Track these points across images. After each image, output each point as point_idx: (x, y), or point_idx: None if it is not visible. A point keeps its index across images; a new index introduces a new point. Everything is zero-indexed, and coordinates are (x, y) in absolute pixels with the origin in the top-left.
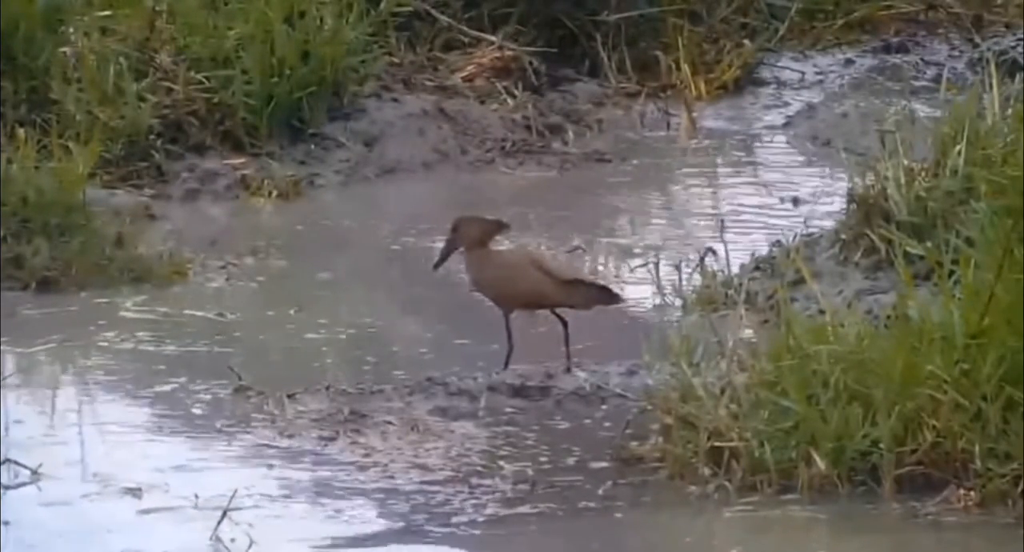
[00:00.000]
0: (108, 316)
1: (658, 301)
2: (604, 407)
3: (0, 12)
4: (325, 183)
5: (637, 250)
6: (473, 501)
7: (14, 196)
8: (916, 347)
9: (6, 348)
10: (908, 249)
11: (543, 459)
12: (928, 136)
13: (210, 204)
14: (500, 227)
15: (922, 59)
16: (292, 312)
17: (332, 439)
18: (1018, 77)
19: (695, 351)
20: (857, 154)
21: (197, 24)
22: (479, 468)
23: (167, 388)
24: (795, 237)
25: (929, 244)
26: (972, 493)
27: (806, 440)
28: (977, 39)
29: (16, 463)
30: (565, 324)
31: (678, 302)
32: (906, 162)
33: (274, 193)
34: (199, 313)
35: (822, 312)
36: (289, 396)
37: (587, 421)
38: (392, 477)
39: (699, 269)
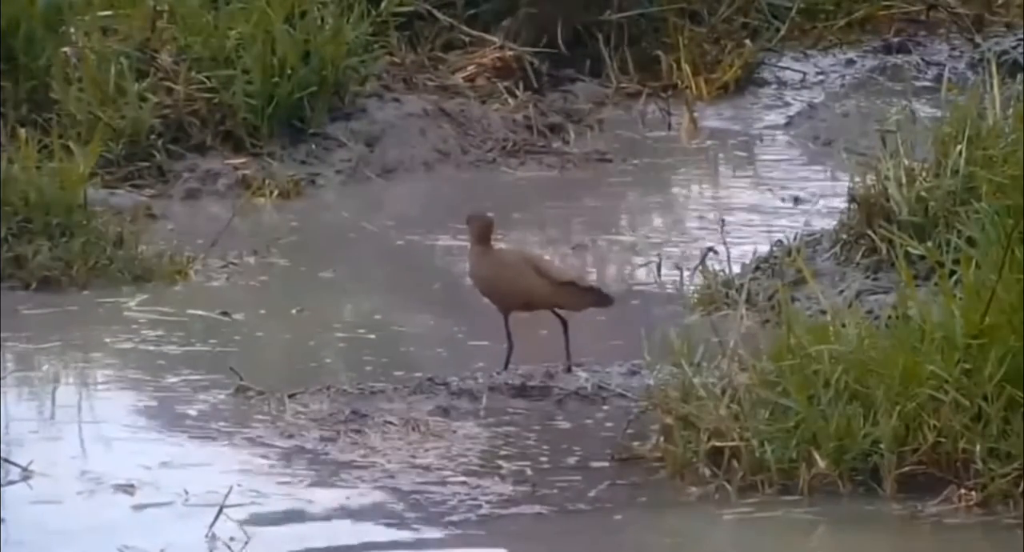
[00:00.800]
0: (109, 316)
1: (659, 301)
2: (605, 407)
3: (0, 12)
4: (326, 183)
5: (638, 250)
6: (473, 501)
7: (15, 196)
8: (917, 347)
9: (6, 348)
10: (909, 249)
11: (544, 459)
12: (929, 136)
13: (211, 204)
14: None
15: (923, 59)
16: (293, 312)
17: (333, 439)
18: (1019, 77)
19: (696, 351)
20: (858, 154)
21: (198, 24)
22: (480, 468)
23: (168, 388)
24: (796, 237)
25: (930, 244)
26: (973, 493)
27: (807, 440)
28: (978, 39)
29: (9, 462)
30: (565, 324)
31: (679, 302)
32: (907, 162)
33: (275, 193)
34: (200, 313)
35: (823, 312)
36: (290, 396)
37: (588, 421)
38: (392, 477)
39: (700, 269)
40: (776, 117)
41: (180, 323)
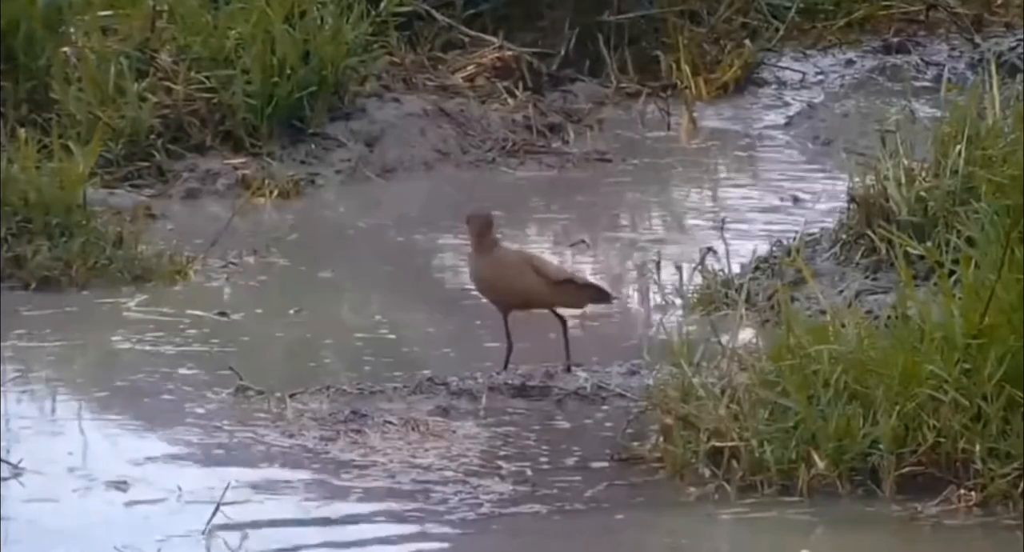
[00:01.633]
0: (109, 316)
1: (658, 301)
2: (605, 407)
3: (0, 12)
4: (326, 183)
5: (637, 249)
6: (473, 501)
7: (15, 196)
8: (916, 347)
9: (5, 348)
10: (908, 249)
11: (543, 459)
12: (928, 136)
13: (211, 204)
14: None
15: (922, 59)
16: (292, 312)
17: (333, 439)
18: (1018, 77)
19: (695, 351)
20: (857, 154)
21: (198, 24)
22: (479, 468)
23: (167, 388)
24: (796, 237)
25: (929, 244)
26: (973, 493)
27: (806, 440)
28: (977, 39)
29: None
30: (564, 324)
31: (678, 302)
32: (906, 162)
33: (275, 193)
34: (200, 313)
35: (822, 312)
36: (290, 396)
37: (587, 421)
38: (392, 476)
39: (699, 269)
40: (776, 117)
41: (180, 323)
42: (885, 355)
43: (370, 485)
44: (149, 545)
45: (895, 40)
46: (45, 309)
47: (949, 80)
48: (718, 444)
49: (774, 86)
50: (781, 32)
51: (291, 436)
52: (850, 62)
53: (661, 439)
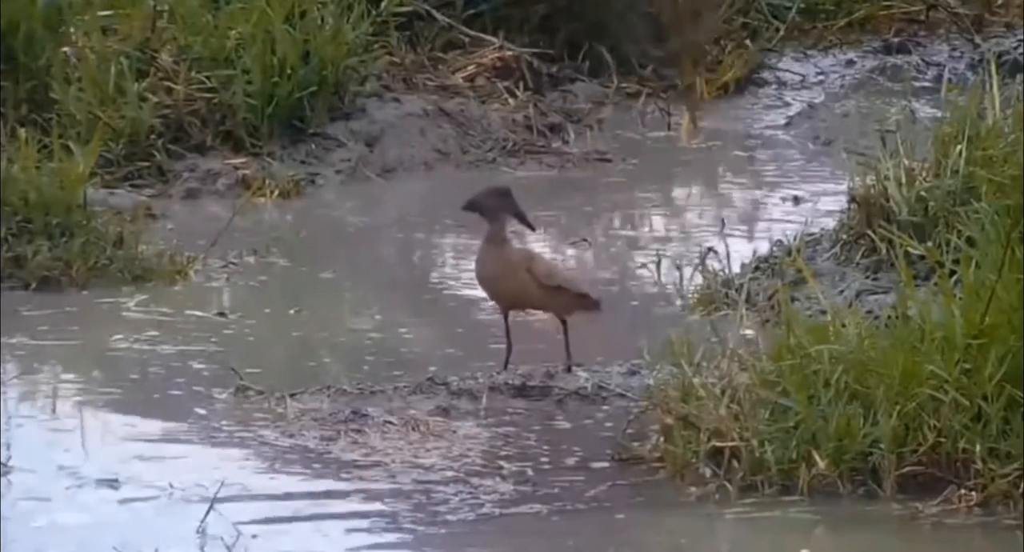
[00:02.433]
0: (109, 316)
1: (659, 301)
2: (605, 407)
3: (0, 12)
4: (326, 183)
5: (638, 249)
6: (474, 501)
7: (15, 196)
8: (917, 347)
9: (5, 348)
10: (909, 249)
11: (544, 459)
12: (929, 136)
13: (211, 204)
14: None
15: (923, 59)
16: (292, 312)
17: (333, 439)
18: (1019, 77)
19: (696, 351)
20: (858, 154)
21: (198, 24)
22: (480, 468)
23: (167, 388)
24: (796, 237)
25: (930, 244)
26: (973, 493)
27: (807, 440)
28: (977, 40)
29: None
30: (565, 324)
31: (679, 301)
32: (907, 162)
33: (275, 193)
34: (200, 313)
35: (823, 312)
36: (290, 395)
37: (588, 421)
38: (393, 476)
39: (700, 269)
40: (776, 117)
41: (180, 323)
42: (885, 355)
43: (370, 485)
44: (145, 544)
45: (895, 40)
46: (45, 309)
47: (949, 80)
48: (719, 444)
49: (774, 86)
50: (782, 32)
51: (291, 436)
52: (850, 62)
53: (662, 439)
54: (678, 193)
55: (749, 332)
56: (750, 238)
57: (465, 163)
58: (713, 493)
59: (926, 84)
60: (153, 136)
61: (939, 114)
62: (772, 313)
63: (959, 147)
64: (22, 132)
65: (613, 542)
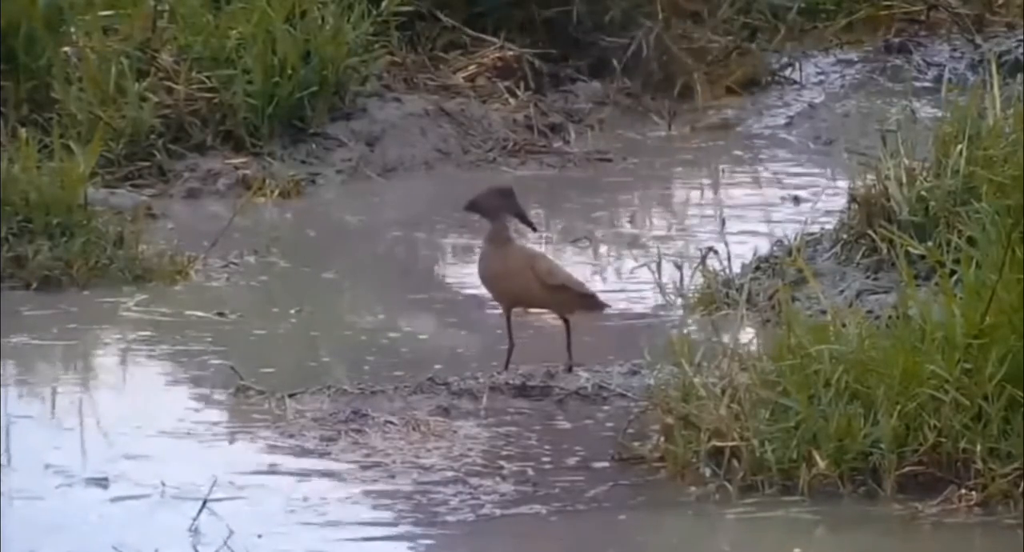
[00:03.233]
0: (109, 316)
1: (659, 300)
2: (606, 407)
3: (1, 12)
4: (326, 183)
5: (638, 249)
6: (474, 501)
7: (16, 196)
8: (917, 347)
9: (5, 348)
10: (909, 249)
11: (545, 459)
12: (929, 136)
13: (211, 203)
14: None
15: (923, 60)
16: (293, 312)
17: (333, 439)
18: (1019, 77)
19: (696, 351)
20: (859, 154)
21: (199, 24)
22: (481, 468)
23: (167, 388)
24: (797, 237)
25: (930, 244)
26: (973, 493)
27: (807, 440)
28: (978, 40)
29: None
30: (567, 324)
31: (679, 301)
32: (907, 162)
33: (276, 192)
34: (200, 313)
35: (823, 312)
36: (290, 396)
37: (589, 421)
38: (393, 476)
39: (700, 268)
40: (776, 117)
41: (180, 323)
42: (886, 355)
43: (370, 486)
44: (141, 543)
45: (896, 40)
46: (46, 309)
47: (950, 80)
48: (719, 444)
49: (775, 86)
50: (782, 32)
51: (291, 436)
52: (851, 62)
53: (662, 439)
54: (679, 193)
55: (750, 332)
56: (751, 238)
57: (466, 163)
58: (713, 493)
59: (926, 84)
60: (154, 136)
61: (940, 114)
62: (773, 313)
63: (960, 147)
64: (23, 132)
65: (614, 542)
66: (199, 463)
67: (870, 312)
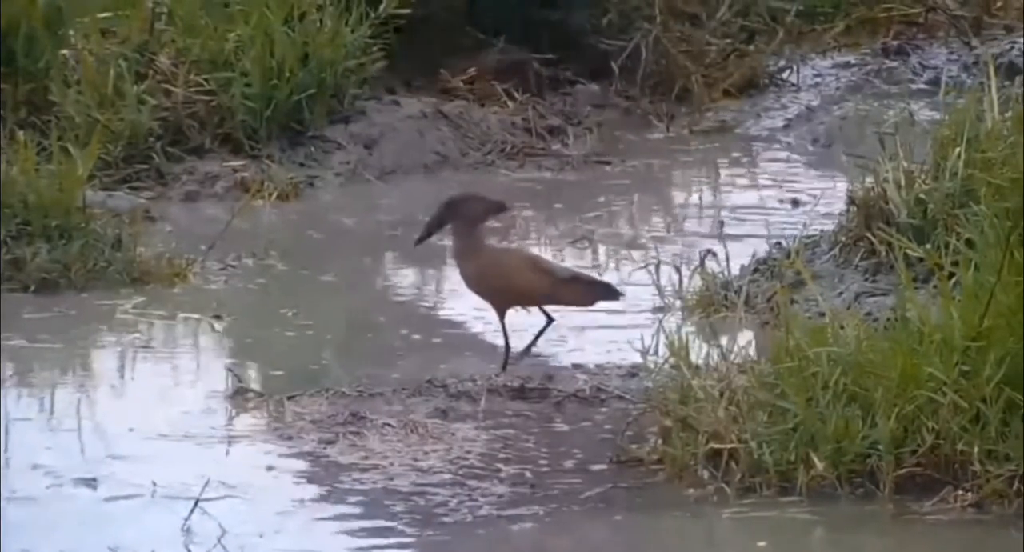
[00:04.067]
0: (107, 318)
1: (658, 303)
2: (604, 409)
3: (0, 13)
4: (325, 185)
5: (636, 252)
6: (472, 502)
7: (14, 198)
8: (915, 349)
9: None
10: (908, 251)
11: (542, 461)
12: (927, 139)
13: (210, 206)
14: (501, 208)
15: (921, 62)
16: (290, 314)
17: (332, 441)
18: (1018, 79)
19: (694, 353)
20: (857, 156)
21: (197, 26)
22: (479, 470)
23: (165, 390)
24: (795, 239)
25: (929, 246)
26: (970, 494)
27: (805, 442)
28: (975, 42)
29: None
30: (549, 320)
31: (678, 304)
32: (906, 164)
33: (274, 195)
34: (198, 315)
35: (822, 314)
36: (289, 398)
37: (587, 423)
38: (391, 479)
39: (699, 271)
40: (774, 120)
41: (178, 325)
42: (884, 357)
43: (369, 487)
44: (136, 543)
45: (894, 43)
46: (44, 311)
47: (947, 83)
48: (717, 446)
49: (773, 89)
50: (780, 35)
51: (289, 438)
52: (848, 65)
53: (660, 441)
54: (677, 195)
55: (748, 334)
56: (749, 240)
57: (464, 166)
58: (712, 495)
59: (924, 87)
60: (152, 138)
61: (937, 117)
62: (771, 315)
63: (958, 150)
64: (21, 134)
65: (612, 544)
66: (196, 465)
67: (868, 314)
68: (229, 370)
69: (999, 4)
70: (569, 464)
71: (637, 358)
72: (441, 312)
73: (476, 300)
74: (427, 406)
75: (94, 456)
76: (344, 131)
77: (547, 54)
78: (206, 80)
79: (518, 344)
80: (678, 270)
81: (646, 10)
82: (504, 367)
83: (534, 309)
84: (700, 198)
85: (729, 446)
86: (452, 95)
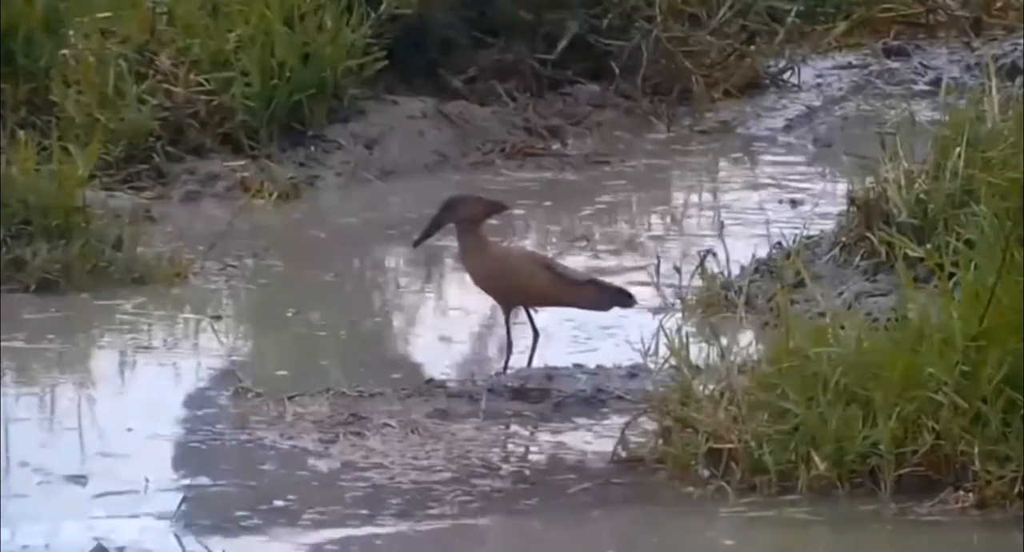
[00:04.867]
0: (108, 318)
1: (658, 303)
2: (604, 409)
3: (0, 14)
4: (325, 185)
5: (637, 252)
6: (472, 503)
7: (14, 198)
8: (916, 349)
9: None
10: (908, 251)
11: (542, 460)
12: (928, 139)
13: (210, 206)
14: (500, 208)
15: (921, 63)
16: (291, 314)
17: (332, 441)
18: (1018, 80)
19: (694, 353)
20: (857, 157)
21: (197, 26)
22: (479, 470)
23: (165, 390)
24: (795, 239)
25: (929, 246)
26: (970, 494)
27: (806, 442)
28: (975, 43)
29: None
30: (536, 335)
31: (678, 304)
32: (906, 165)
33: (274, 195)
34: (198, 315)
35: (822, 314)
36: (289, 398)
37: (587, 423)
38: (392, 478)
39: (699, 271)
40: (775, 120)
41: (178, 325)
42: (885, 357)
43: (368, 487)
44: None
45: (894, 44)
46: (44, 311)
47: (948, 84)
48: (718, 446)
49: (774, 89)
50: (781, 35)
51: (290, 438)
52: (849, 65)
53: (661, 441)
54: (677, 195)
55: (748, 334)
56: (749, 240)
57: (464, 165)
58: (712, 494)
59: (924, 88)
60: (152, 138)
61: (938, 117)
62: (772, 315)
63: (958, 150)
64: (21, 134)
65: (612, 543)
66: (194, 466)
67: (869, 314)
68: (229, 369)
69: (1000, 5)
70: (569, 463)
71: (637, 358)
72: (441, 312)
73: (476, 300)
74: (427, 406)
75: (91, 454)
76: (344, 131)
77: (546, 54)
78: (206, 80)
79: (519, 346)
80: (678, 270)
81: (646, 10)
82: (505, 367)
83: (543, 311)
84: (700, 198)
85: (729, 446)
86: (452, 95)
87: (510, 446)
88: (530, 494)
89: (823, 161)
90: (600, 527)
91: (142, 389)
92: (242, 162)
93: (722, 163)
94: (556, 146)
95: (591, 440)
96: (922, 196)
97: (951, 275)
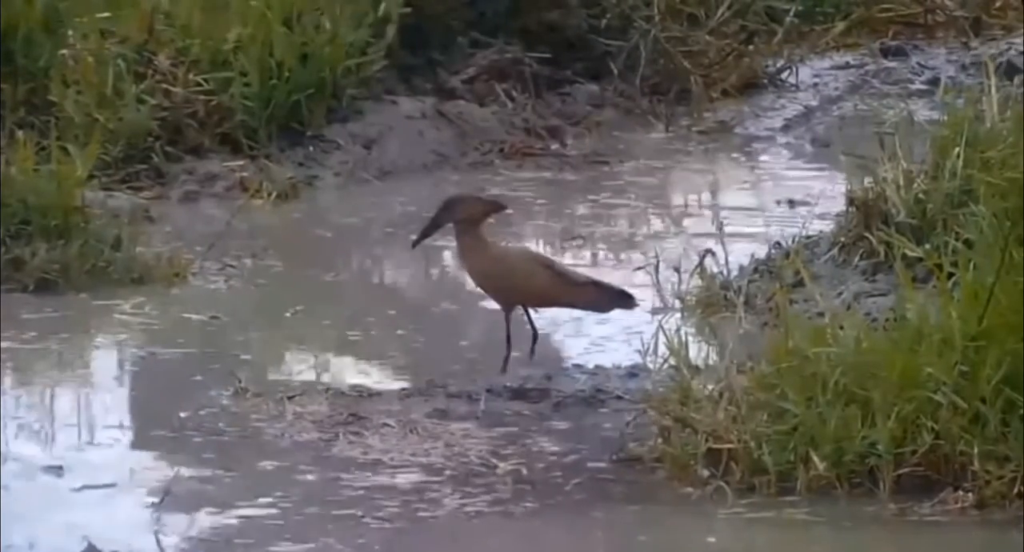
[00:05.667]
0: (107, 318)
1: (657, 303)
2: (603, 409)
3: (0, 14)
4: (324, 185)
5: (636, 252)
6: (471, 503)
7: (13, 198)
8: (915, 349)
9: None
10: (907, 251)
11: (541, 461)
12: (926, 139)
13: (209, 206)
14: (499, 207)
15: (920, 63)
16: (289, 314)
17: (331, 441)
18: (1017, 79)
19: (694, 353)
20: (856, 157)
21: (196, 26)
22: (478, 470)
23: (164, 390)
24: (794, 239)
25: (928, 246)
26: (970, 495)
27: (805, 442)
28: (973, 43)
29: None
30: (535, 337)
31: (677, 304)
32: (905, 165)
33: (273, 195)
34: (197, 315)
35: (821, 314)
36: (289, 398)
37: (586, 423)
38: (391, 478)
39: (698, 271)
40: (773, 120)
41: (177, 325)
42: (884, 357)
43: (367, 487)
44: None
45: (893, 44)
46: (44, 312)
47: (946, 83)
48: (717, 446)
49: (772, 89)
50: (779, 35)
51: (290, 437)
52: (847, 65)
53: (660, 441)
54: (676, 195)
55: (747, 334)
56: (748, 240)
57: (463, 165)
58: (711, 494)
59: (922, 87)
60: (151, 138)
61: (936, 117)
62: (771, 315)
63: (957, 150)
64: (20, 134)
65: (611, 543)
66: (193, 466)
67: (868, 314)
68: (229, 370)
69: (998, 4)
70: (568, 463)
71: (637, 358)
72: (441, 312)
73: (475, 300)
74: (426, 406)
75: (90, 454)
76: (343, 131)
77: (546, 54)
78: (205, 80)
79: (518, 346)
80: (678, 270)
81: (645, 10)
82: (504, 367)
83: (543, 311)
84: (699, 198)
85: (729, 446)
86: (451, 95)
87: (509, 446)
88: (529, 494)
89: (821, 161)
90: (599, 527)
91: (141, 389)
92: (241, 162)
93: (720, 163)
94: (555, 146)
95: (590, 440)
96: (921, 196)
97: (950, 275)
